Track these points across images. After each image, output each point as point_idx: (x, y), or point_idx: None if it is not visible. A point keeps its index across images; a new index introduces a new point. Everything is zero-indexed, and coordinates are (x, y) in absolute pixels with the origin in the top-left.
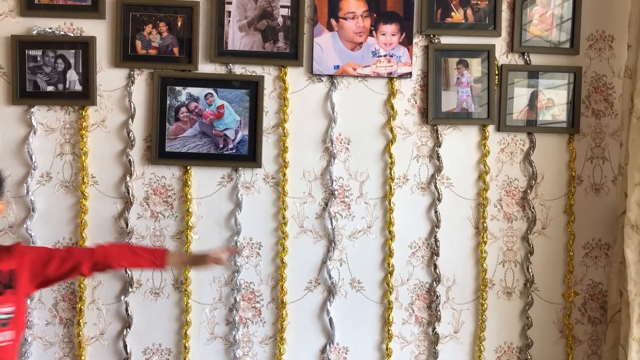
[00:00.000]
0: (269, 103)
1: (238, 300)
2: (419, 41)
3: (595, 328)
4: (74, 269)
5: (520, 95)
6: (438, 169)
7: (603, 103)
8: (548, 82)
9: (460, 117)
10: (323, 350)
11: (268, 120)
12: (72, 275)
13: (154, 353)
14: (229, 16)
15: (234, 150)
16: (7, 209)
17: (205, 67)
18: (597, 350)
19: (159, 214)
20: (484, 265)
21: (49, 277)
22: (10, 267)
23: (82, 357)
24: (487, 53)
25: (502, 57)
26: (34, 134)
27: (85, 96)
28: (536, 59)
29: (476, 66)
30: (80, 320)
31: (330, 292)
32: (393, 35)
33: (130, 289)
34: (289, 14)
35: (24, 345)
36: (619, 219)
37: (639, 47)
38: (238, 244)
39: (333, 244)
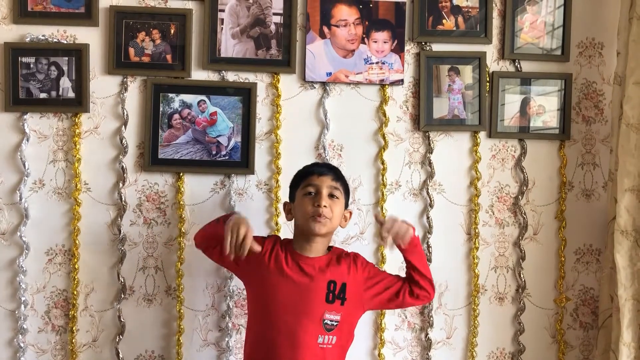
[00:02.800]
0: (262, 110)
1: (231, 306)
2: (410, 48)
3: (587, 333)
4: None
5: (511, 102)
6: (430, 175)
7: (593, 109)
8: (539, 88)
9: (452, 124)
10: None
11: (261, 127)
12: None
13: None
14: (222, 23)
15: (227, 157)
16: None
17: (198, 74)
18: (589, 355)
19: (152, 221)
20: (476, 271)
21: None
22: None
23: None
24: (478, 60)
25: (493, 64)
26: (27, 140)
27: (79, 103)
28: (527, 66)
29: (467, 73)
30: (73, 327)
31: None
32: (385, 42)
33: (122, 296)
34: (282, 22)
35: (18, 352)
36: (609, 224)
37: (628, 54)
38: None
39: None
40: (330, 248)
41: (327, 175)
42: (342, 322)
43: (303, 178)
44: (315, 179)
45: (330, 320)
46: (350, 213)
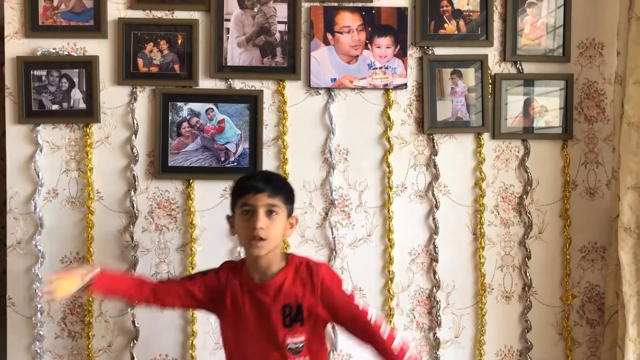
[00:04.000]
0: (269, 116)
1: None
2: (413, 53)
3: (594, 330)
4: None
5: (513, 103)
6: (435, 177)
7: (595, 109)
8: (541, 89)
9: (456, 126)
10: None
11: (268, 133)
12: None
13: None
14: (228, 33)
15: (235, 163)
16: None
17: (206, 83)
18: (596, 351)
19: (163, 227)
20: (483, 270)
21: None
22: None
23: None
24: (480, 63)
25: (495, 66)
26: (40, 151)
27: (90, 114)
28: (528, 67)
29: (470, 76)
30: (89, 333)
31: None
32: (388, 47)
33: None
34: (286, 30)
35: (36, 358)
36: (613, 222)
37: (628, 54)
38: (241, 255)
39: (334, 253)
40: (287, 256)
41: (263, 193)
42: (308, 341)
43: (240, 194)
44: (251, 198)
45: (295, 344)
46: (296, 220)
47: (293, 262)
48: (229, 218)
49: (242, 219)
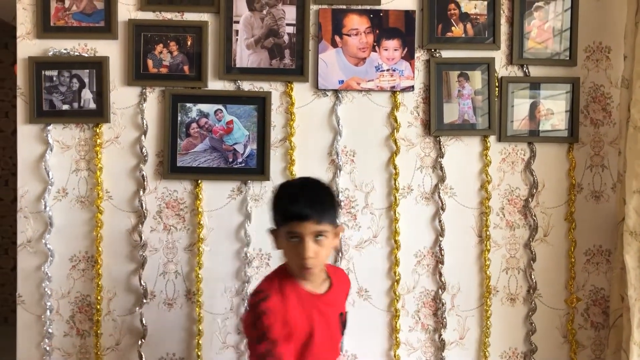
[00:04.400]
0: (276, 118)
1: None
2: (420, 55)
3: (598, 333)
4: None
5: (520, 106)
6: (441, 179)
7: (601, 112)
8: (547, 92)
9: (462, 129)
10: None
11: (275, 134)
12: None
13: None
14: (237, 35)
15: (243, 164)
16: None
17: (215, 84)
18: (600, 354)
19: (171, 227)
20: (488, 272)
21: None
22: None
23: None
24: (487, 66)
25: (502, 69)
26: (51, 151)
27: (100, 114)
28: (535, 71)
29: (477, 78)
30: (97, 331)
31: None
32: (395, 50)
33: (144, 301)
34: (294, 32)
35: (45, 356)
36: (618, 225)
37: (635, 57)
38: (248, 254)
39: (340, 254)
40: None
41: (310, 221)
42: None
43: (284, 220)
44: (297, 226)
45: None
46: (342, 228)
47: (329, 270)
48: (272, 232)
49: (290, 243)
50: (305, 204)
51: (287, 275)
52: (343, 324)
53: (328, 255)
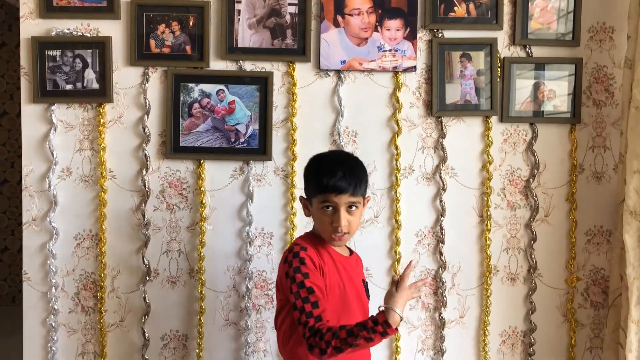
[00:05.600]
0: (278, 98)
1: (250, 287)
2: (422, 36)
3: (598, 312)
4: None
5: (522, 87)
6: (443, 160)
7: (604, 93)
8: (550, 73)
9: (464, 109)
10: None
11: (277, 114)
12: None
13: (171, 339)
14: (239, 14)
15: (245, 144)
16: None
17: (217, 64)
18: (599, 333)
19: (174, 206)
20: (488, 252)
21: None
22: None
23: (104, 343)
24: (490, 46)
25: (505, 50)
26: (55, 131)
27: (103, 94)
28: (538, 51)
29: (479, 59)
30: (102, 308)
31: None
32: (397, 30)
33: (148, 278)
34: (296, 12)
35: (51, 331)
36: (619, 206)
37: (638, 38)
38: (250, 234)
39: None
40: None
41: (345, 193)
42: None
43: (320, 191)
44: (332, 197)
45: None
46: (368, 199)
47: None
48: (301, 200)
49: (322, 212)
50: (342, 177)
51: (317, 237)
52: (367, 291)
53: (359, 224)
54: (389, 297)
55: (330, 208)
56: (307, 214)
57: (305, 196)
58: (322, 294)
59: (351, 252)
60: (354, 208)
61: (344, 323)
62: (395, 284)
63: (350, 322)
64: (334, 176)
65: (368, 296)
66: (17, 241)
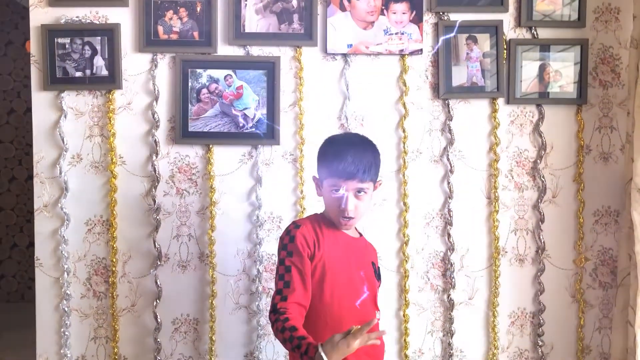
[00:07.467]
0: (286, 82)
1: (261, 271)
2: (428, 19)
3: (606, 292)
4: None
5: (528, 68)
6: (450, 142)
7: (610, 74)
8: (556, 55)
9: (471, 91)
10: None
11: (285, 99)
12: None
13: (182, 323)
14: (246, 0)
15: (254, 129)
16: None
17: (224, 50)
18: (608, 313)
19: (184, 191)
20: (497, 233)
21: None
22: None
23: (116, 328)
24: (495, 28)
25: (510, 32)
26: (65, 117)
27: (112, 81)
28: (544, 33)
29: (485, 41)
30: (113, 293)
31: None
32: (404, 13)
33: (159, 263)
34: None
35: (64, 316)
36: (627, 185)
37: None
38: (259, 217)
39: None
40: None
41: (354, 179)
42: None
43: (329, 174)
44: (341, 182)
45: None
46: (380, 183)
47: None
48: (314, 179)
49: (332, 195)
50: (351, 162)
51: (325, 217)
52: (377, 274)
53: (368, 209)
54: (330, 342)
55: (339, 192)
56: (320, 194)
57: (317, 176)
58: (300, 275)
59: (360, 234)
60: (362, 193)
61: (349, 299)
62: (347, 333)
63: (355, 299)
64: (343, 161)
65: (379, 279)
66: (26, 238)
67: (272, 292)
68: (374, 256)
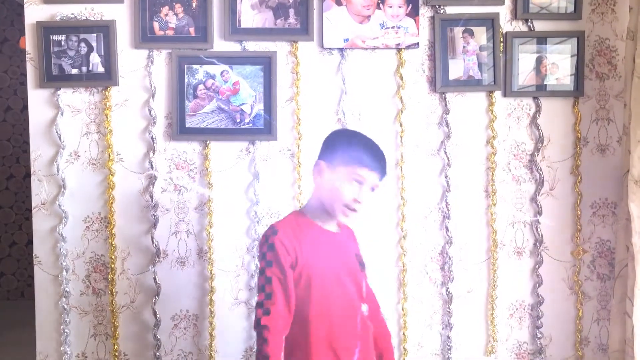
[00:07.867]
0: (282, 78)
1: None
2: (425, 12)
3: (604, 284)
4: None
5: (525, 61)
6: (447, 136)
7: (606, 66)
8: (552, 47)
9: (468, 85)
10: None
11: (282, 94)
12: None
13: (181, 319)
14: None
15: (251, 124)
16: None
17: (220, 45)
18: (606, 305)
19: (181, 187)
20: (494, 226)
21: None
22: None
23: (116, 324)
24: (492, 21)
25: (507, 24)
26: (61, 115)
27: (108, 77)
28: (540, 25)
29: (481, 34)
30: (112, 290)
31: None
32: (400, 7)
33: (157, 259)
34: None
35: (63, 314)
36: (624, 177)
37: None
38: (257, 213)
39: None
40: None
41: (377, 174)
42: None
43: (356, 162)
44: (365, 173)
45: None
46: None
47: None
48: (322, 163)
49: (347, 185)
50: (381, 158)
51: (302, 215)
52: (361, 264)
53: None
54: None
55: (357, 183)
56: (319, 181)
57: (325, 161)
58: (281, 285)
59: (339, 226)
60: (373, 191)
61: (336, 298)
62: None
63: (343, 297)
64: (377, 155)
65: (363, 269)
66: (25, 236)
67: None
68: (356, 246)
